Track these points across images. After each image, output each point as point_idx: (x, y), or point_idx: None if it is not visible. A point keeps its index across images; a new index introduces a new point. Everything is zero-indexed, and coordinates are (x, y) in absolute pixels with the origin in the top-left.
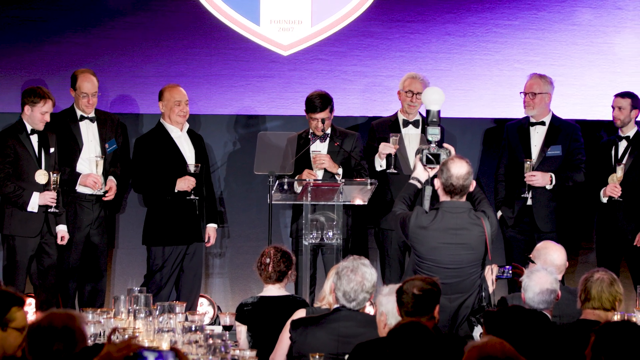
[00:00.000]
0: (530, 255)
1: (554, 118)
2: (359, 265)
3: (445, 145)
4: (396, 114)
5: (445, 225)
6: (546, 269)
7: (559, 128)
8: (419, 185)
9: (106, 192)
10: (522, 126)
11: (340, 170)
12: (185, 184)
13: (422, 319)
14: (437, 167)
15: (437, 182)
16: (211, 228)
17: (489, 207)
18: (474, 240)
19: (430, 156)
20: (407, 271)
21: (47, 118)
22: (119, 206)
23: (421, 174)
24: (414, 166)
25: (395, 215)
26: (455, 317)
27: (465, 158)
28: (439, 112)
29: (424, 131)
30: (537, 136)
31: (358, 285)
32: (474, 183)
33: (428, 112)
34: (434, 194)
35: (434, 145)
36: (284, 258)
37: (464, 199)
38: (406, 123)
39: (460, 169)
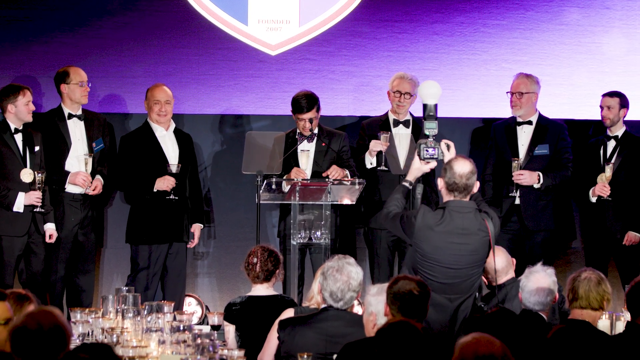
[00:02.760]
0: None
1: (541, 117)
2: (344, 265)
3: (444, 141)
4: (387, 113)
5: (453, 226)
6: (545, 270)
7: (545, 127)
8: (410, 188)
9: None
10: (509, 126)
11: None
12: (164, 183)
13: (412, 319)
14: (434, 161)
15: (440, 182)
16: (196, 227)
17: (489, 208)
18: (478, 242)
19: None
20: (403, 270)
21: (32, 107)
22: (107, 205)
23: (416, 170)
24: (412, 162)
25: (392, 214)
26: (454, 317)
27: (469, 158)
28: (435, 105)
29: (414, 132)
30: (524, 135)
31: (344, 285)
32: (477, 184)
33: (425, 106)
34: (425, 192)
35: (432, 139)
36: (272, 257)
37: (467, 198)
38: (396, 123)
39: (463, 167)
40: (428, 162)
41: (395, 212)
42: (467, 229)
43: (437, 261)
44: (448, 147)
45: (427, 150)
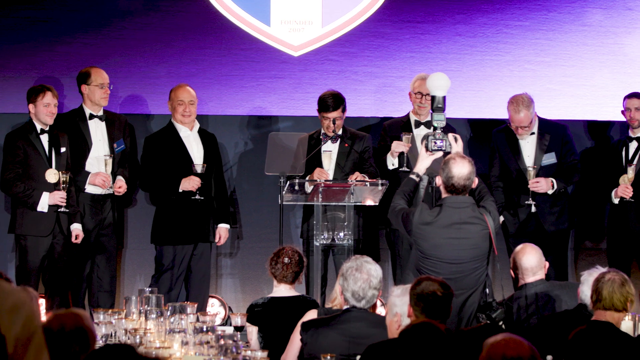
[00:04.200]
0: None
1: (541, 123)
2: (362, 264)
3: (452, 134)
4: (408, 114)
5: (449, 221)
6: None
7: (548, 133)
8: (417, 180)
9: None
10: (511, 135)
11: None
12: (189, 184)
13: (436, 321)
14: (440, 152)
15: (438, 180)
16: (223, 228)
17: (490, 202)
18: (476, 235)
19: None
20: (410, 267)
21: (53, 110)
22: (128, 206)
23: (423, 162)
24: (419, 154)
25: (396, 210)
26: (460, 313)
27: (468, 157)
28: (444, 98)
29: None
30: (529, 146)
31: (365, 283)
32: (476, 180)
33: (433, 98)
34: (430, 185)
35: (440, 131)
36: (300, 259)
37: (466, 194)
38: (418, 124)
39: (462, 169)
40: (433, 154)
41: (400, 207)
42: (464, 223)
43: (438, 258)
44: (456, 139)
45: (435, 142)
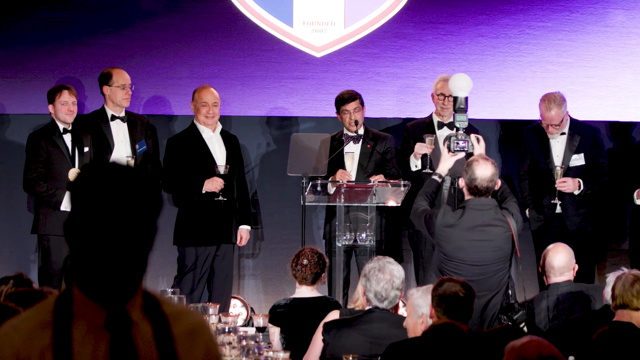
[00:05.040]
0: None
1: (572, 124)
2: (385, 264)
3: (474, 135)
4: (431, 115)
5: (472, 223)
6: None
7: (578, 134)
8: (440, 181)
9: None
10: (541, 134)
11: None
12: (212, 185)
13: (458, 322)
14: (462, 153)
15: (461, 182)
16: (244, 229)
17: (513, 205)
18: (499, 237)
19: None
20: (432, 268)
21: (71, 108)
22: None
23: (445, 163)
24: (441, 155)
25: (418, 212)
26: (482, 314)
27: (491, 159)
28: (466, 98)
29: None
30: (559, 146)
31: (388, 284)
32: (499, 183)
33: (455, 98)
34: (452, 186)
35: (462, 132)
36: (320, 260)
37: (489, 196)
38: (441, 125)
39: (485, 171)
40: (456, 154)
41: (423, 209)
42: (487, 225)
43: (461, 260)
44: (478, 140)
45: (457, 143)
